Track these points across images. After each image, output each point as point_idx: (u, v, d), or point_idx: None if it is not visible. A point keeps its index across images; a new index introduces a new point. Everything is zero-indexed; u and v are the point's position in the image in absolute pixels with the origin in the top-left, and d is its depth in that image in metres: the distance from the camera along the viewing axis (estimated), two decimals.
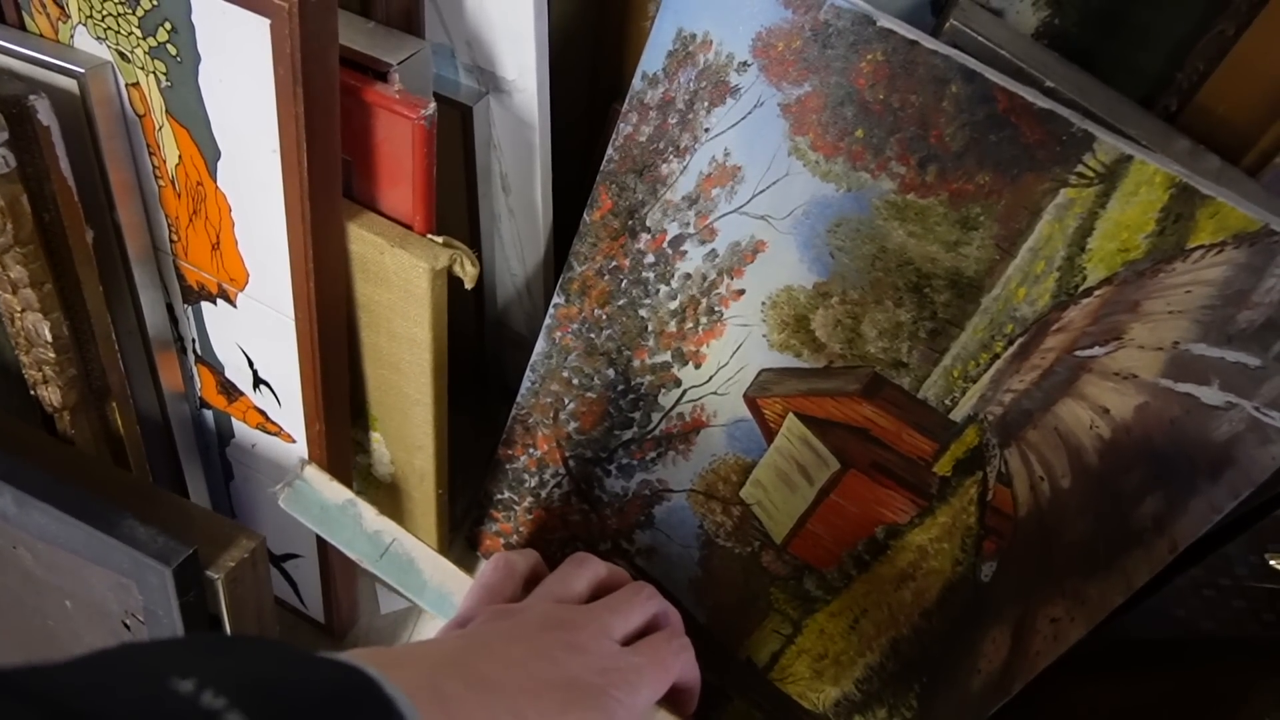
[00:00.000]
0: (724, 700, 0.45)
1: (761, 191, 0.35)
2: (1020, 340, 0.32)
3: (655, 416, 0.41)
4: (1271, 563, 0.35)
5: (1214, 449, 0.30)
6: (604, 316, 0.41)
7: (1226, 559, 0.36)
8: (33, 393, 0.41)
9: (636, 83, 0.36)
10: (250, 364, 0.42)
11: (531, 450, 0.46)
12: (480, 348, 0.53)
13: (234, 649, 0.22)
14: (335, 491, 0.37)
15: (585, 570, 0.34)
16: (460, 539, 0.52)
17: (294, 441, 0.44)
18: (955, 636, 0.37)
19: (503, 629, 0.30)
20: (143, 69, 0.34)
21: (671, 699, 0.32)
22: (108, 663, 0.20)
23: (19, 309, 0.38)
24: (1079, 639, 0.34)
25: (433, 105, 0.33)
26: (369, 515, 0.36)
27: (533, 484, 0.47)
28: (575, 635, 0.30)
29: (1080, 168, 0.29)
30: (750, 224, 0.36)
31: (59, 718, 0.17)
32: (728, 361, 0.39)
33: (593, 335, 0.41)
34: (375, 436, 0.45)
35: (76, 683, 0.18)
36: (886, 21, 0.31)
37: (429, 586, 0.36)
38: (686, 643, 0.33)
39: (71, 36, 0.35)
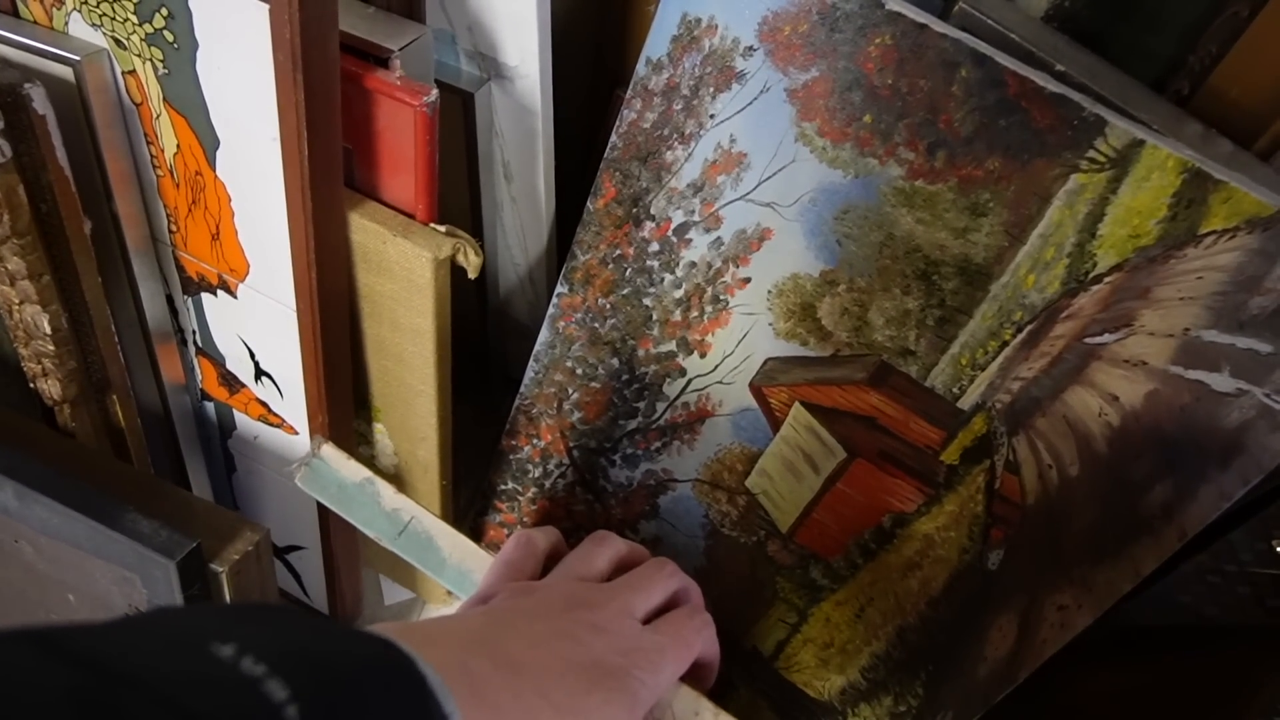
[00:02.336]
0: (730, 689, 0.45)
1: (768, 178, 0.35)
2: (1029, 328, 0.32)
3: (660, 406, 0.41)
4: (1279, 549, 0.35)
5: (1224, 436, 0.30)
6: (608, 306, 0.40)
7: (1231, 545, 0.36)
8: (32, 386, 0.41)
9: (640, 68, 0.35)
10: (251, 355, 0.42)
11: (535, 441, 0.46)
12: (483, 337, 0.53)
13: (272, 617, 0.22)
14: (352, 470, 0.36)
15: (606, 548, 0.34)
16: (464, 530, 0.52)
17: (296, 433, 0.44)
18: (962, 625, 0.37)
19: (526, 607, 0.30)
20: (139, 56, 0.34)
21: (692, 673, 0.32)
22: (149, 626, 0.20)
23: (17, 301, 0.37)
24: (1086, 627, 0.34)
25: (434, 92, 0.33)
26: (387, 493, 0.36)
27: (537, 474, 0.47)
28: (598, 615, 0.30)
29: (1091, 153, 0.29)
30: (756, 211, 0.35)
31: (103, 679, 0.17)
32: (733, 350, 0.38)
33: (597, 325, 0.41)
34: (378, 428, 0.45)
35: (119, 644, 0.18)
36: (895, 4, 0.30)
37: (448, 564, 0.36)
38: (708, 619, 0.33)
39: (66, 23, 0.34)
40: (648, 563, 0.34)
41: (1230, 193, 0.27)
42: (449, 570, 0.35)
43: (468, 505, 0.52)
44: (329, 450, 0.37)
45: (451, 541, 0.35)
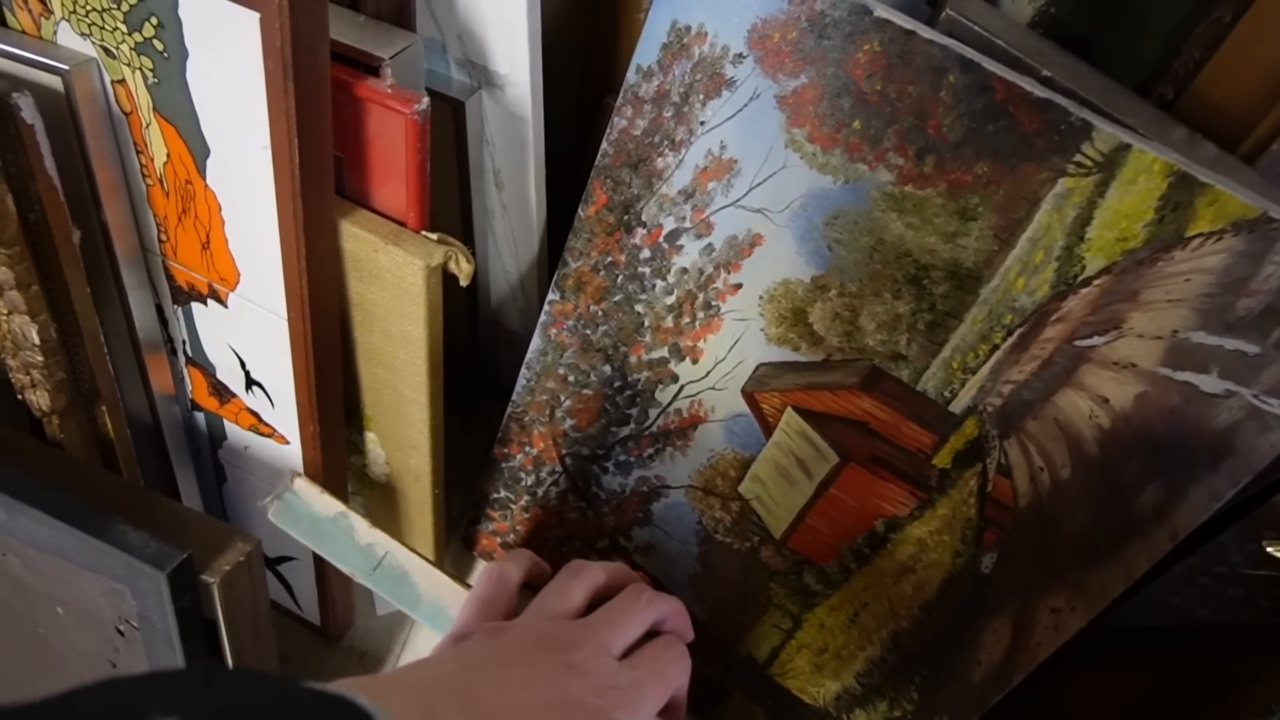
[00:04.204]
0: (724, 696, 0.45)
1: (758, 184, 0.35)
2: (1019, 331, 0.32)
3: (652, 413, 0.41)
4: (1269, 550, 0.35)
5: (1213, 437, 0.30)
6: (600, 313, 0.40)
7: (1222, 547, 0.36)
8: (20, 397, 0.40)
9: (630, 75, 0.35)
10: (242, 365, 0.42)
11: (528, 448, 0.46)
12: (474, 345, 0.53)
13: (220, 682, 0.21)
14: (326, 504, 0.36)
15: (581, 581, 0.33)
16: (456, 539, 0.52)
17: (287, 443, 0.43)
18: (956, 628, 0.37)
19: (499, 649, 0.29)
20: (129, 65, 0.34)
21: (664, 709, 0.32)
22: (88, 700, 0.19)
23: (5, 311, 0.37)
24: (1079, 629, 0.34)
25: (425, 100, 0.33)
26: (361, 528, 0.36)
27: (529, 482, 0.47)
28: (573, 655, 0.29)
29: (1078, 157, 0.29)
30: (747, 217, 0.35)
31: None
32: (725, 356, 0.38)
33: (588, 332, 0.41)
34: (370, 437, 0.45)
35: None
36: (883, 11, 0.30)
37: (423, 600, 0.35)
38: (683, 650, 0.33)
39: (55, 33, 0.34)
40: (624, 593, 0.33)
41: (1216, 195, 0.28)
42: (424, 605, 0.35)
43: (460, 514, 0.51)
44: (301, 484, 0.36)
45: (427, 577, 0.35)
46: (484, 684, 0.27)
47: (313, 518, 0.36)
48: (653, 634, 0.33)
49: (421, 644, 0.52)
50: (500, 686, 0.27)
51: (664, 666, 0.31)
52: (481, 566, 0.52)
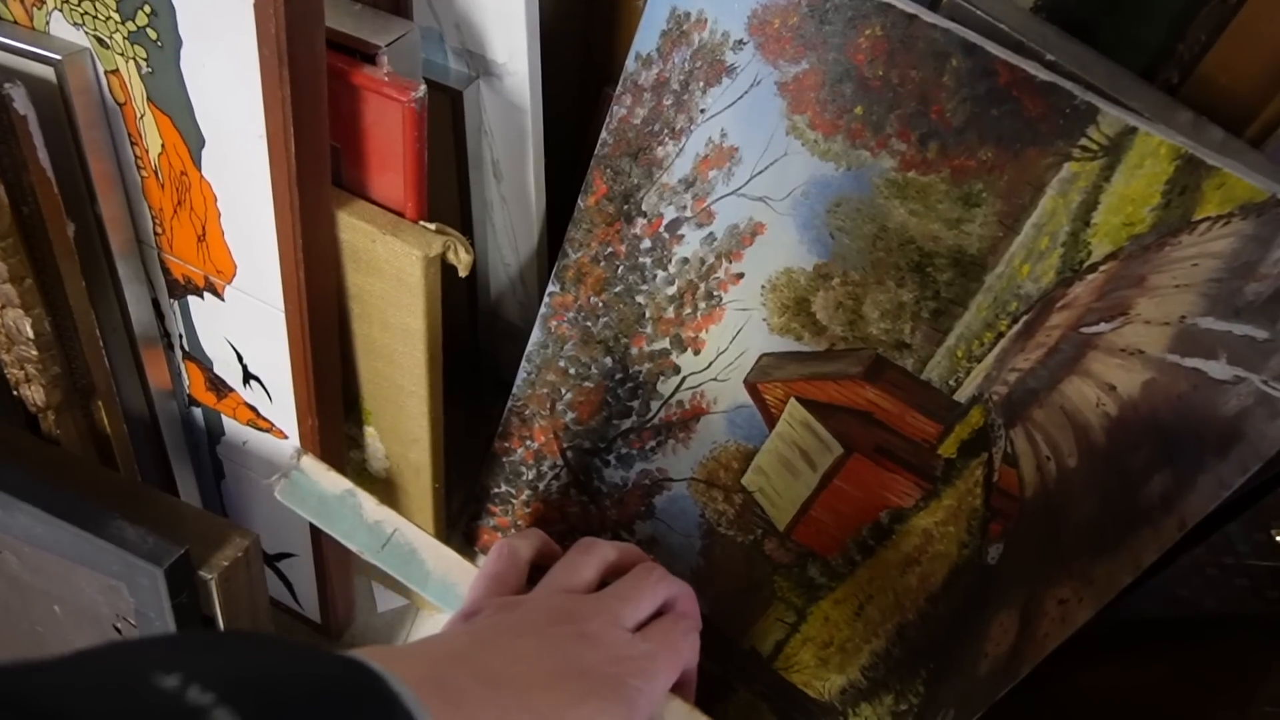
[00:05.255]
0: (729, 691, 0.45)
1: (759, 172, 0.34)
2: (1025, 318, 0.32)
3: (654, 405, 0.41)
4: (1278, 538, 0.35)
5: (1222, 424, 0.29)
6: (600, 304, 0.40)
7: (1229, 539, 0.36)
8: (15, 392, 0.40)
9: (630, 63, 0.35)
10: (239, 359, 0.41)
11: (528, 442, 0.45)
12: (474, 339, 0.52)
13: (227, 644, 0.21)
14: (333, 481, 0.36)
15: (592, 556, 0.33)
16: (457, 534, 0.51)
17: (286, 438, 0.43)
18: (962, 621, 0.37)
19: (510, 623, 0.29)
20: (122, 55, 0.33)
21: (674, 685, 0.32)
22: (90, 660, 0.19)
23: None
24: (1087, 620, 0.34)
25: (423, 87, 0.33)
26: (369, 505, 0.35)
27: (530, 476, 0.46)
28: (586, 626, 0.29)
29: (1084, 141, 0.29)
30: (748, 206, 0.35)
31: (28, 717, 0.16)
32: (727, 347, 0.38)
33: (589, 323, 0.41)
34: (369, 431, 0.44)
35: (53, 681, 0.17)
36: None
37: (432, 577, 0.35)
38: (691, 625, 0.32)
39: (47, 22, 0.34)
40: (635, 570, 0.33)
41: (1224, 179, 0.27)
42: (433, 583, 0.35)
43: (460, 509, 0.51)
44: (309, 462, 0.36)
45: (435, 554, 0.35)
46: (495, 654, 0.27)
47: (320, 496, 0.35)
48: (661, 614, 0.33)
49: None
50: (512, 657, 0.27)
51: (674, 640, 0.31)
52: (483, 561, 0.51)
